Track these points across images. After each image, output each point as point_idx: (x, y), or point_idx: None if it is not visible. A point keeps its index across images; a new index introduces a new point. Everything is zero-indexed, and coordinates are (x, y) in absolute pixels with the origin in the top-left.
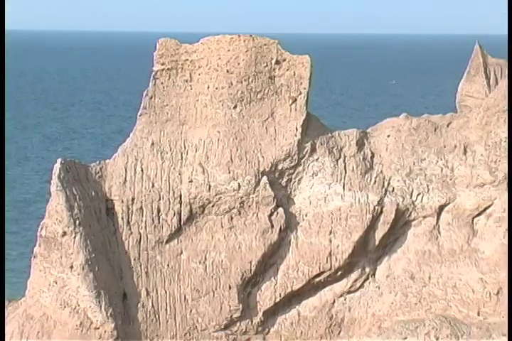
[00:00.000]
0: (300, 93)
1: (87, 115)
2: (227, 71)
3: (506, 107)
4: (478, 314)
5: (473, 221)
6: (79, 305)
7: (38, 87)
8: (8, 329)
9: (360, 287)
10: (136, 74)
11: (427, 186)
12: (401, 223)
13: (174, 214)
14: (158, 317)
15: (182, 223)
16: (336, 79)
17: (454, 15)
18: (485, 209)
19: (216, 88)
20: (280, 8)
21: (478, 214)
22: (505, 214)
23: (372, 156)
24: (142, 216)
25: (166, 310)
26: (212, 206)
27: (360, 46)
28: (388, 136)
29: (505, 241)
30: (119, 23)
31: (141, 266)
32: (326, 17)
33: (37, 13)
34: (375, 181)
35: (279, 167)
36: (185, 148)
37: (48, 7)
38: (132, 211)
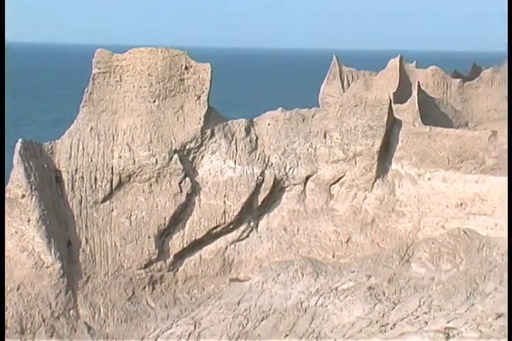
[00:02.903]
0: (203, 91)
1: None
2: (148, 74)
3: (356, 103)
4: (333, 256)
5: (330, 188)
6: (34, 250)
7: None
8: None
9: (246, 236)
10: None
11: (297, 162)
12: (277, 189)
13: (107, 182)
14: (95, 259)
15: (113, 188)
16: (239, 82)
17: (320, 33)
18: (339, 179)
19: (140, 87)
20: (192, 25)
21: (334, 183)
22: (354, 183)
23: (257, 139)
24: (83, 183)
25: (100, 253)
26: (136, 176)
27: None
28: (268, 124)
29: (355, 203)
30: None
31: (81, 220)
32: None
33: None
34: (259, 158)
35: (187, 147)
36: (116, 132)
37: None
38: (75, 179)
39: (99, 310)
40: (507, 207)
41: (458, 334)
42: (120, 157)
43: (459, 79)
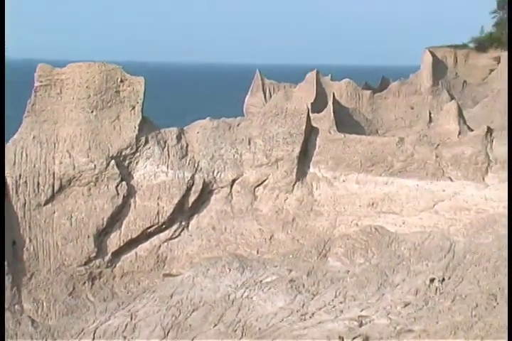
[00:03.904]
0: (137, 102)
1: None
2: (87, 87)
3: (277, 113)
4: (257, 252)
5: (254, 190)
6: None
7: None
8: None
9: (178, 235)
10: None
11: (224, 166)
12: (206, 191)
13: (49, 186)
14: (38, 257)
15: (55, 192)
16: (171, 94)
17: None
18: (262, 182)
19: (79, 98)
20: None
21: (258, 185)
22: (276, 185)
23: (187, 146)
24: (26, 187)
25: (43, 252)
26: (76, 180)
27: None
28: (198, 132)
29: (277, 204)
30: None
31: (25, 222)
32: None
33: None
34: (189, 163)
35: (123, 153)
36: (57, 140)
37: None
38: (20, 184)
39: (42, 304)
40: (507, 206)
41: (370, 321)
42: (61, 163)
43: (369, 91)
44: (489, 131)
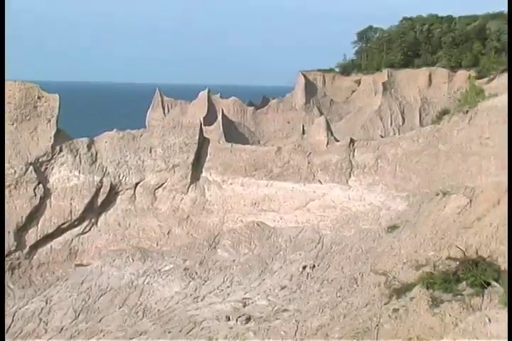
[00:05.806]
0: (53, 116)
1: None
2: (8, 102)
3: (174, 125)
4: (157, 245)
5: (155, 191)
6: None
7: None
8: None
9: (88, 230)
10: None
11: (129, 171)
12: (113, 193)
13: None
14: None
15: None
16: (83, 109)
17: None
18: (162, 185)
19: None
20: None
21: (158, 188)
22: (173, 187)
23: (97, 154)
24: None
25: None
26: None
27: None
28: (106, 142)
29: (174, 203)
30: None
31: None
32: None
33: None
34: (98, 169)
35: (40, 160)
36: None
37: None
38: None
39: None
40: (507, 206)
41: (252, 302)
42: None
43: (252, 107)
44: (352, 141)
